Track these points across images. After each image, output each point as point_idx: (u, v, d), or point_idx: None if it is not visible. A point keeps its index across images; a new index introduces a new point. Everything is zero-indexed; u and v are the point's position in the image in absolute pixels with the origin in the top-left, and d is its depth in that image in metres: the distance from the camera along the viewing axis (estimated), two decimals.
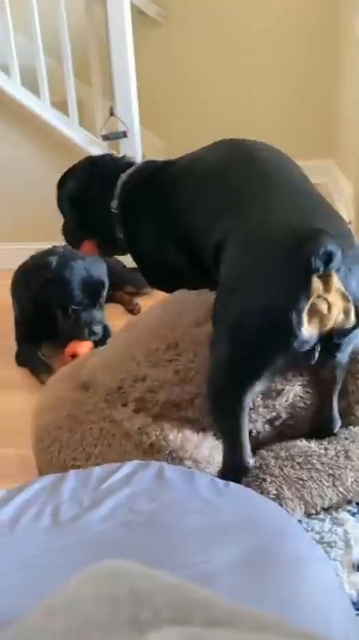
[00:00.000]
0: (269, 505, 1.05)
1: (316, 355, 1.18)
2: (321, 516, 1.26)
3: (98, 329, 2.12)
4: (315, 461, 1.32)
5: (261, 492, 1.27)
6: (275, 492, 1.28)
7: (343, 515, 1.26)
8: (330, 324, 1.13)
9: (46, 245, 2.44)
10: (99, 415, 1.41)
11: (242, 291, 1.20)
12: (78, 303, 2.12)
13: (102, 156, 1.85)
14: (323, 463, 1.32)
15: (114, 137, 2.81)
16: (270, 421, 1.42)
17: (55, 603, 0.36)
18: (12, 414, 1.88)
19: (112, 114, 2.76)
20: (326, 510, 1.27)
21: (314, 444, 1.37)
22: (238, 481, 1.23)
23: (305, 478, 1.29)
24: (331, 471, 1.30)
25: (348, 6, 3.03)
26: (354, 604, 1.03)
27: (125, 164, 1.71)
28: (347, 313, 1.13)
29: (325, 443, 1.37)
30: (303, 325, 1.10)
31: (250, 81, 3.62)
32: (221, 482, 1.11)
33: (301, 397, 1.43)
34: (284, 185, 1.34)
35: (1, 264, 2.63)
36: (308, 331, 1.11)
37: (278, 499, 1.27)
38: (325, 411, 1.41)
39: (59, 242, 2.42)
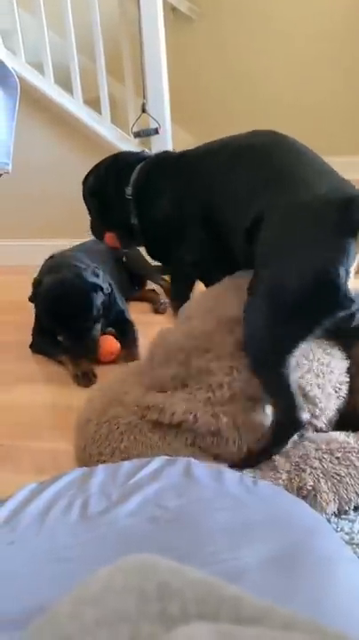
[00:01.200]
0: (298, 504, 1.04)
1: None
2: (351, 516, 1.24)
3: (89, 341, 2.13)
4: (353, 458, 1.31)
5: (299, 483, 1.28)
6: (311, 483, 1.28)
7: None
8: None
9: (77, 242, 2.46)
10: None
11: (287, 253, 1.25)
12: (56, 318, 2.14)
13: (122, 152, 1.94)
14: None
15: (145, 134, 2.82)
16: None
17: (85, 594, 0.37)
18: (35, 408, 1.91)
19: (144, 111, 2.78)
20: (356, 510, 1.26)
21: (352, 440, 1.36)
22: (291, 436, 1.30)
23: (343, 474, 1.29)
24: None
25: None
26: None
27: (143, 157, 1.82)
28: None
29: None
30: (350, 282, 1.17)
31: (281, 78, 3.59)
32: (250, 479, 1.10)
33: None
34: (316, 165, 1.42)
35: (34, 260, 2.65)
36: (354, 288, 1.19)
37: (314, 490, 1.27)
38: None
39: (86, 238, 2.45)
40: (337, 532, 1.20)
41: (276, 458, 1.33)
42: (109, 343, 2.17)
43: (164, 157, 1.79)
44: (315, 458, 1.32)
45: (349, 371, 1.46)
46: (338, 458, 1.31)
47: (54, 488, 1.06)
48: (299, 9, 3.45)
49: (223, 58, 3.62)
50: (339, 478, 1.28)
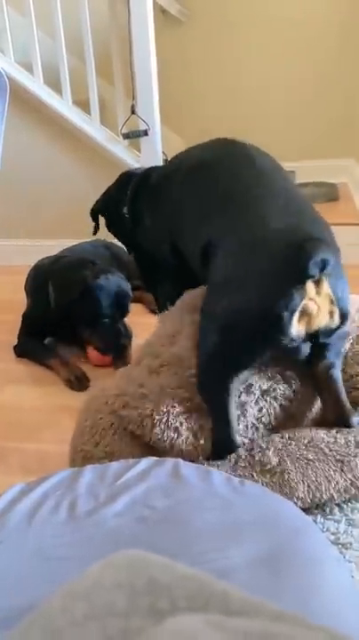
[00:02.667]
0: (285, 504, 1.04)
1: (304, 350, 1.28)
2: (336, 516, 1.25)
3: (124, 342, 2.15)
4: (323, 446, 1.30)
5: (263, 461, 1.28)
6: (276, 461, 1.28)
7: (358, 516, 1.26)
8: (316, 324, 1.24)
9: (65, 243, 2.46)
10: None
11: (238, 287, 1.28)
12: (109, 316, 2.12)
13: (127, 171, 1.97)
14: (331, 449, 1.30)
15: (135, 135, 2.83)
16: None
17: (75, 589, 0.37)
18: (24, 409, 1.91)
19: (133, 112, 2.78)
20: (342, 510, 1.27)
21: (322, 432, 1.35)
22: (226, 457, 1.32)
23: (310, 457, 1.28)
24: (339, 457, 1.28)
25: None
26: None
27: (140, 171, 1.86)
28: (332, 314, 1.26)
29: (334, 431, 1.35)
30: (293, 324, 1.21)
31: (270, 80, 3.62)
32: (237, 480, 1.11)
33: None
34: (277, 188, 1.41)
35: (17, 260, 2.66)
36: (297, 329, 1.22)
37: (280, 467, 1.26)
38: (333, 406, 1.41)
39: (77, 239, 2.45)
40: (323, 532, 1.20)
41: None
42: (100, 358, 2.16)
43: (146, 175, 1.81)
44: (279, 442, 1.33)
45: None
46: (305, 444, 1.31)
47: (42, 488, 1.06)
48: (288, 13, 3.48)
49: (212, 60, 3.64)
50: (306, 461, 1.27)
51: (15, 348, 2.27)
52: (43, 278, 2.31)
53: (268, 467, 1.28)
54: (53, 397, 1.96)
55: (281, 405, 1.42)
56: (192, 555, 0.83)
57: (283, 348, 1.25)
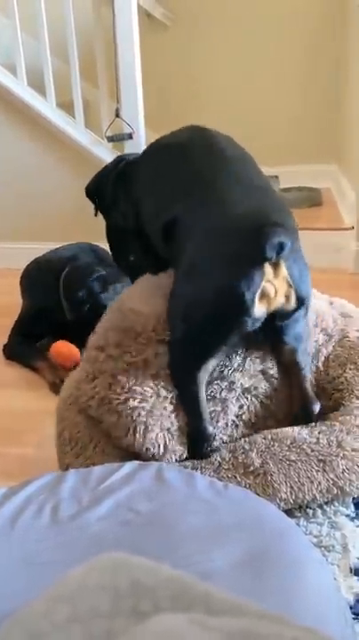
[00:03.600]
0: (268, 507, 1.05)
1: (266, 333, 1.34)
2: (319, 519, 1.26)
3: None
4: (304, 447, 1.31)
5: (246, 463, 1.29)
6: (259, 462, 1.29)
7: (341, 519, 1.26)
8: (274, 306, 1.29)
9: (50, 245, 2.44)
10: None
11: (201, 271, 1.32)
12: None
13: (121, 155, 1.96)
14: (313, 450, 1.30)
15: (119, 138, 2.82)
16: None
17: (59, 591, 0.37)
18: (13, 413, 1.89)
19: (118, 115, 2.78)
20: (324, 513, 1.27)
21: (305, 433, 1.35)
22: (201, 448, 1.35)
23: (293, 459, 1.29)
24: (321, 457, 1.29)
25: (355, 15, 3.04)
26: (351, 608, 1.04)
27: (125, 158, 1.83)
28: (288, 297, 1.30)
29: (316, 432, 1.36)
30: (255, 305, 1.25)
31: (254, 84, 3.64)
32: (220, 483, 1.11)
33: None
34: (242, 174, 1.46)
35: (3, 263, 2.64)
36: (258, 310, 1.26)
37: (263, 468, 1.27)
38: (299, 398, 1.44)
39: (63, 242, 2.43)
40: (306, 534, 1.21)
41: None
42: (68, 348, 2.13)
43: (130, 161, 1.82)
44: (262, 443, 1.33)
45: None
46: (287, 445, 1.32)
47: (25, 492, 1.06)
48: (272, 18, 3.51)
49: (196, 64, 3.66)
50: (289, 463, 1.28)
51: (4, 349, 2.25)
52: (33, 276, 2.31)
53: (251, 468, 1.28)
54: (39, 401, 1.94)
55: (261, 403, 1.43)
56: (176, 557, 0.83)
57: (246, 330, 1.29)
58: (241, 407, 1.42)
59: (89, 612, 0.34)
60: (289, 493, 1.25)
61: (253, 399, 1.42)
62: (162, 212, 1.46)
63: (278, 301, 1.29)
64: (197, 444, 1.36)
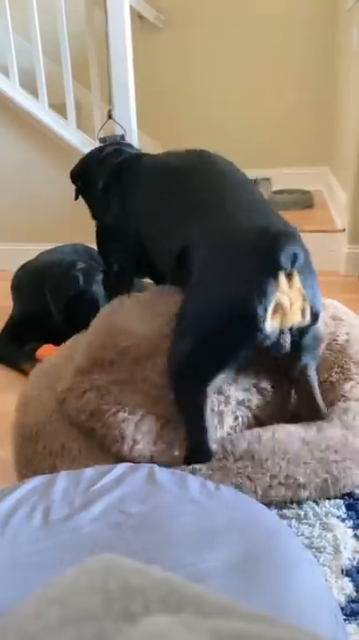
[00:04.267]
0: (260, 508, 1.05)
1: (283, 346, 1.27)
2: (311, 520, 1.26)
3: None
4: (288, 429, 1.34)
5: (233, 449, 1.30)
6: (245, 445, 1.30)
7: (332, 520, 1.27)
8: (289, 321, 1.24)
9: (42, 247, 2.44)
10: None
11: (212, 286, 1.29)
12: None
13: (108, 143, 1.96)
14: (296, 431, 1.33)
15: (111, 140, 2.82)
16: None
17: (50, 593, 0.37)
18: (1, 415, 1.87)
19: (110, 117, 2.78)
20: (315, 513, 1.28)
21: (293, 428, 1.38)
22: (203, 462, 1.29)
23: (276, 438, 1.31)
24: (302, 435, 1.32)
25: (347, 18, 3.06)
26: (342, 609, 1.04)
27: (122, 151, 1.85)
28: (303, 311, 1.25)
29: (297, 424, 1.39)
30: (267, 319, 1.20)
31: (247, 88, 3.65)
32: (212, 485, 1.11)
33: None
34: (246, 196, 1.44)
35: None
36: (271, 325, 1.22)
37: (250, 451, 1.29)
38: (310, 406, 1.43)
39: (55, 243, 2.43)
40: (298, 536, 1.21)
41: None
42: (51, 350, 2.13)
43: (128, 162, 1.81)
44: (249, 433, 1.36)
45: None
46: (272, 432, 1.34)
47: (16, 495, 1.05)
48: (265, 22, 3.52)
49: (189, 67, 3.66)
50: (274, 442, 1.30)
51: None
52: (22, 279, 2.30)
53: (238, 453, 1.30)
54: (4, 403, 1.93)
55: (253, 415, 1.44)
56: (168, 559, 0.83)
57: (259, 345, 1.24)
58: (235, 419, 1.42)
59: (80, 613, 0.34)
60: (278, 470, 1.27)
61: (246, 411, 1.43)
62: (172, 243, 1.45)
63: (293, 315, 1.24)
64: (197, 459, 1.32)
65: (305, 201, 3.30)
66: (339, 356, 1.56)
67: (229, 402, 1.41)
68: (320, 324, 1.37)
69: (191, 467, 1.30)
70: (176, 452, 1.35)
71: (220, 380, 1.33)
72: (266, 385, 1.45)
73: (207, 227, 1.37)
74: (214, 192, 1.44)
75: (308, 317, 1.26)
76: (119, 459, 1.34)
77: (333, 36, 3.42)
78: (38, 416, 1.45)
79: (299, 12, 3.49)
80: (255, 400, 1.44)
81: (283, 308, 1.22)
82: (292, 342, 1.29)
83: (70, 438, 1.39)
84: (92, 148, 1.97)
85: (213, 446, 1.32)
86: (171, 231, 1.47)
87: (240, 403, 1.42)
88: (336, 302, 1.70)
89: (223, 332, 1.25)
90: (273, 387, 1.47)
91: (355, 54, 2.72)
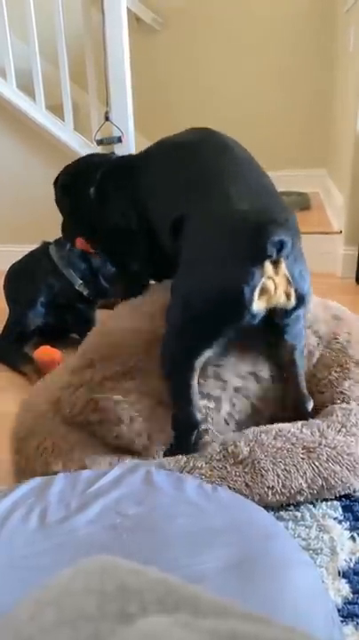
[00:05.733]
0: (257, 510, 1.05)
1: (266, 330, 1.34)
2: (307, 522, 1.26)
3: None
4: (289, 436, 1.35)
5: (235, 453, 1.32)
6: (247, 450, 1.32)
7: (329, 522, 1.27)
8: (273, 302, 1.30)
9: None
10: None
11: (202, 266, 1.34)
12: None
13: (93, 153, 1.96)
14: (297, 439, 1.34)
15: (108, 142, 2.83)
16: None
17: (46, 595, 0.37)
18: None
19: (107, 119, 2.77)
20: (312, 515, 1.28)
21: (289, 425, 1.40)
22: (189, 436, 1.37)
23: (279, 446, 1.32)
24: (305, 444, 1.33)
25: (343, 21, 3.07)
26: (338, 610, 1.04)
27: (109, 159, 1.86)
28: (288, 295, 1.31)
29: (299, 424, 1.40)
30: (254, 300, 1.26)
31: (244, 89, 3.65)
32: (209, 486, 1.11)
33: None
34: (248, 174, 1.47)
35: None
36: (257, 305, 1.27)
37: (251, 457, 1.30)
38: (294, 394, 1.47)
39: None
40: (294, 538, 1.21)
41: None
42: (49, 354, 2.14)
43: (122, 161, 1.82)
44: (249, 433, 1.38)
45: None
46: (274, 435, 1.35)
47: (13, 496, 1.05)
48: (261, 23, 3.53)
49: (186, 68, 3.67)
50: (275, 450, 1.31)
51: None
52: (17, 276, 2.32)
53: (240, 457, 1.31)
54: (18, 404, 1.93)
55: (251, 403, 1.47)
56: (164, 561, 0.83)
57: (244, 325, 1.30)
58: (233, 406, 1.45)
59: (76, 615, 0.34)
60: (276, 482, 1.27)
61: (244, 399, 1.46)
62: (170, 210, 1.48)
63: (278, 298, 1.30)
64: (184, 431, 1.38)
65: (301, 203, 3.31)
66: (338, 355, 1.57)
67: (226, 388, 1.44)
68: (307, 307, 1.43)
69: (191, 465, 1.31)
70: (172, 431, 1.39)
71: (206, 355, 1.38)
72: (264, 374, 1.48)
73: (202, 200, 1.40)
74: (217, 167, 1.47)
75: (293, 300, 1.32)
76: (118, 445, 1.36)
77: (330, 37, 3.43)
78: (34, 416, 1.46)
79: (296, 13, 3.50)
80: (252, 388, 1.46)
81: (268, 291, 1.28)
82: (279, 324, 1.36)
83: (64, 436, 1.40)
84: (69, 164, 1.96)
85: (198, 416, 1.38)
86: (171, 205, 1.49)
87: (237, 389, 1.45)
88: (337, 303, 1.71)
89: (211, 311, 1.31)
90: (271, 376, 1.49)
91: (353, 56, 2.72)
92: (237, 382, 1.45)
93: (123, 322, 1.56)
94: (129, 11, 2.89)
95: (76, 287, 2.25)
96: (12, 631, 0.33)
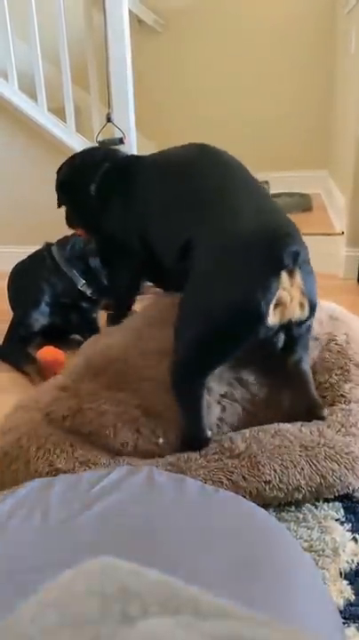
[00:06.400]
0: (258, 512, 1.05)
1: (280, 341, 1.34)
2: (309, 524, 1.26)
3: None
4: (288, 435, 1.35)
5: (231, 447, 1.33)
6: (244, 446, 1.32)
7: (331, 523, 1.27)
8: (288, 315, 1.29)
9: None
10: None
11: (216, 282, 1.32)
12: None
13: (95, 148, 1.94)
14: (295, 437, 1.34)
15: (110, 143, 2.83)
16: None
17: (47, 597, 0.37)
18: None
19: (109, 120, 2.78)
20: (314, 516, 1.28)
21: (289, 425, 1.40)
22: (198, 449, 1.36)
23: (277, 443, 1.32)
24: (303, 442, 1.33)
25: (344, 23, 3.07)
26: (341, 612, 1.04)
27: (114, 155, 1.86)
28: (302, 306, 1.31)
29: (299, 424, 1.40)
30: (269, 314, 1.25)
31: (245, 91, 3.66)
32: (211, 488, 1.11)
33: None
34: (248, 187, 1.47)
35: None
36: (273, 318, 1.27)
37: (247, 452, 1.31)
38: (306, 402, 1.47)
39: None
40: (296, 539, 1.21)
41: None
42: (52, 354, 2.14)
43: (124, 162, 1.81)
44: (247, 431, 1.38)
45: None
46: (271, 434, 1.36)
47: (15, 497, 1.05)
48: (262, 24, 3.53)
49: (187, 70, 3.67)
50: (272, 447, 1.31)
51: None
52: (22, 282, 2.32)
53: (237, 451, 1.32)
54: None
55: (242, 407, 1.47)
56: (165, 562, 0.83)
57: (260, 338, 1.29)
58: (223, 409, 1.45)
59: (77, 617, 0.34)
60: (273, 476, 1.27)
61: (233, 403, 1.46)
62: (175, 234, 1.47)
63: (293, 311, 1.29)
64: (193, 446, 1.37)
65: (303, 204, 3.31)
66: (338, 357, 1.56)
67: (211, 394, 1.45)
68: (314, 318, 1.42)
69: (186, 456, 1.33)
70: (160, 440, 1.40)
71: (218, 370, 1.39)
72: (251, 379, 1.48)
73: (211, 220, 1.39)
74: (219, 185, 1.46)
75: (307, 311, 1.32)
76: (107, 452, 1.37)
77: (332, 38, 3.43)
78: (27, 425, 1.46)
79: (297, 15, 3.50)
80: (238, 393, 1.47)
81: (284, 303, 1.27)
82: (287, 335, 1.35)
83: (62, 437, 1.41)
84: (75, 154, 1.97)
85: (208, 433, 1.38)
86: (177, 224, 1.48)
87: (222, 396, 1.46)
88: (332, 304, 1.70)
89: (227, 327, 1.29)
90: (257, 381, 1.49)
91: (354, 57, 2.72)
92: (220, 389, 1.46)
93: (115, 339, 1.58)
94: (130, 12, 2.90)
95: (79, 287, 2.25)
96: (14, 633, 0.33)
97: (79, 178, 1.82)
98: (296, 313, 1.30)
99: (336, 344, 1.59)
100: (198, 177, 1.50)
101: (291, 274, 1.26)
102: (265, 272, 1.24)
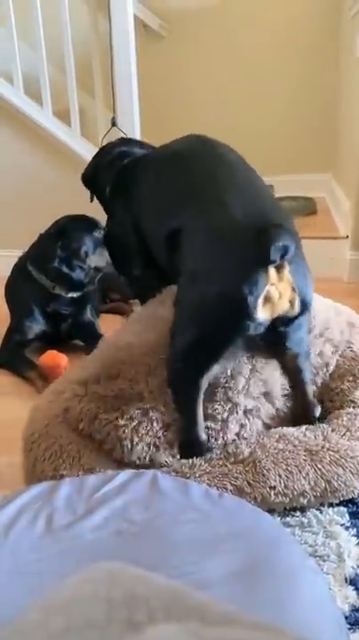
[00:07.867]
0: (263, 516, 1.05)
1: (269, 338, 1.31)
2: (314, 529, 1.26)
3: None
4: (292, 439, 1.34)
5: (236, 453, 1.32)
6: (248, 451, 1.32)
7: (336, 528, 1.26)
8: (278, 311, 1.26)
9: None
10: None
11: (204, 276, 1.30)
12: None
13: (115, 145, 1.93)
14: (300, 441, 1.34)
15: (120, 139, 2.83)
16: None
17: (53, 602, 0.37)
18: (5, 421, 1.88)
19: (114, 124, 2.78)
20: (319, 521, 1.27)
21: (293, 429, 1.40)
22: (195, 453, 1.35)
23: (281, 447, 1.32)
24: (308, 447, 1.32)
25: (349, 26, 3.07)
26: (346, 618, 1.03)
27: (131, 157, 1.83)
28: (292, 302, 1.27)
29: (303, 428, 1.40)
30: (258, 309, 1.22)
31: (250, 95, 3.66)
32: (215, 492, 1.11)
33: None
34: (241, 178, 1.45)
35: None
36: (262, 314, 1.24)
37: (252, 457, 1.30)
38: (301, 400, 1.47)
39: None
40: (301, 544, 1.20)
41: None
42: (53, 359, 2.13)
43: (132, 163, 1.80)
44: (251, 436, 1.38)
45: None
46: (276, 439, 1.35)
47: (19, 501, 1.05)
48: (266, 28, 3.54)
49: (192, 74, 3.68)
50: (277, 452, 1.31)
51: None
52: (15, 289, 2.33)
53: (241, 457, 1.31)
54: (9, 410, 1.93)
55: (263, 422, 1.45)
56: (170, 567, 0.83)
57: (249, 335, 1.28)
58: (242, 427, 1.42)
59: (84, 622, 0.34)
60: (278, 482, 1.26)
61: (255, 419, 1.44)
62: (164, 224, 1.45)
63: (282, 306, 1.26)
64: (189, 451, 1.36)
65: (308, 208, 3.31)
66: (352, 364, 1.55)
67: (236, 410, 1.42)
68: (310, 317, 1.42)
69: (190, 462, 1.32)
70: (178, 456, 1.37)
71: (214, 371, 1.35)
72: (276, 393, 1.47)
73: (200, 212, 1.37)
74: (208, 176, 1.44)
75: (297, 308, 1.29)
76: (119, 462, 1.35)
77: (336, 42, 3.43)
78: (43, 420, 1.46)
79: (301, 18, 3.50)
80: (264, 408, 1.45)
81: (272, 299, 1.24)
82: (282, 332, 1.33)
83: (71, 441, 1.40)
84: (100, 149, 1.97)
85: (203, 436, 1.37)
86: (165, 219, 1.47)
87: (248, 411, 1.43)
88: (349, 309, 1.69)
89: (216, 323, 1.28)
90: (284, 396, 1.48)
91: (357, 62, 2.72)
92: (249, 404, 1.43)
93: (133, 335, 1.53)
94: (135, 17, 2.91)
95: (52, 291, 2.22)
96: (21, 638, 0.33)
97: (97, 178, 1.85)
98: (285, 308, 1.27)
99: (351, 351, 1.58)
100: (187, 168, 1.49)
101: (279, 269, 1.23)
102: (251, 267, 1.21)
